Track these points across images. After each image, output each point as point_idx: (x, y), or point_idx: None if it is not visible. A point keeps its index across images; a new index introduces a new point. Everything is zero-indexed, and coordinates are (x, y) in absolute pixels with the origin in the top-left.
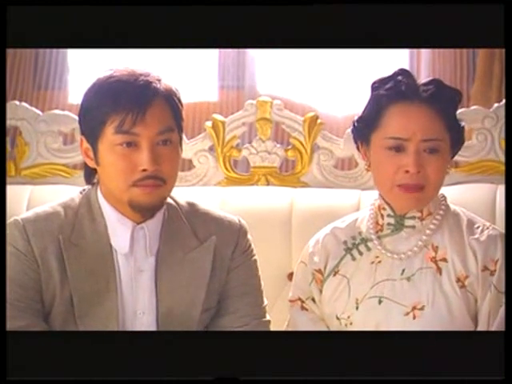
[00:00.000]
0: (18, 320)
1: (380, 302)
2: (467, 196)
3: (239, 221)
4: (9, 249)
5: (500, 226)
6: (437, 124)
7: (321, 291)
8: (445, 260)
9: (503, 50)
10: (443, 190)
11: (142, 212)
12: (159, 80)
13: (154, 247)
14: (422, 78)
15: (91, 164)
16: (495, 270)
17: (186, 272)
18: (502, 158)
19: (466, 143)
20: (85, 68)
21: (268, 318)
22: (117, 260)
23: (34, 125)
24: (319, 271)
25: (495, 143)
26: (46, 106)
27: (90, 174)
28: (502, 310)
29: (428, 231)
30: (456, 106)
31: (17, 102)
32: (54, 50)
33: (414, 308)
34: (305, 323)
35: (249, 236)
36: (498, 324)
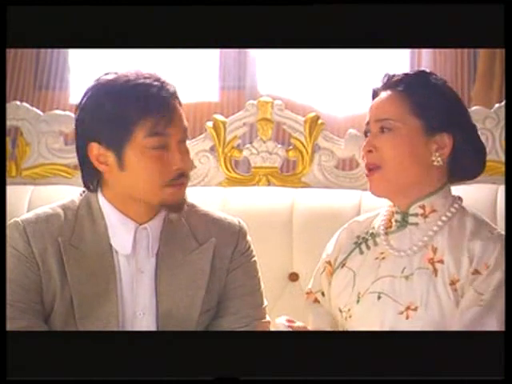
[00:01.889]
0: (19, 321)
1: (379, 297)
2: (468, 196)
3: (239, 222)
4: (9, 250)
5: (501, 226)
6: (395, 106)
7: (330, 283)
8: (442, 262)
9: (504, 50)
10: None
11: (171, 211)
12: (167, 82)
13: (155, 247)
14: None
15: (106, 170)
16: (482, 274)
17: (185, 274)
18: (503, 158)
19: None
20: (86, 68)
21: (268, 318)
22: (117, 261)
23: (35, 125)
24: (329, 263)
25: (496, 144)
26: (47, 106)
27: (93, 179)
28: (479, 311)
29: (430, 232)
30: (439, 93)
31: (18, 103)
32: (55, 50)
33: (407, 308)
34: (315, 316)
35: (248, 237)
36: (468, 321)
